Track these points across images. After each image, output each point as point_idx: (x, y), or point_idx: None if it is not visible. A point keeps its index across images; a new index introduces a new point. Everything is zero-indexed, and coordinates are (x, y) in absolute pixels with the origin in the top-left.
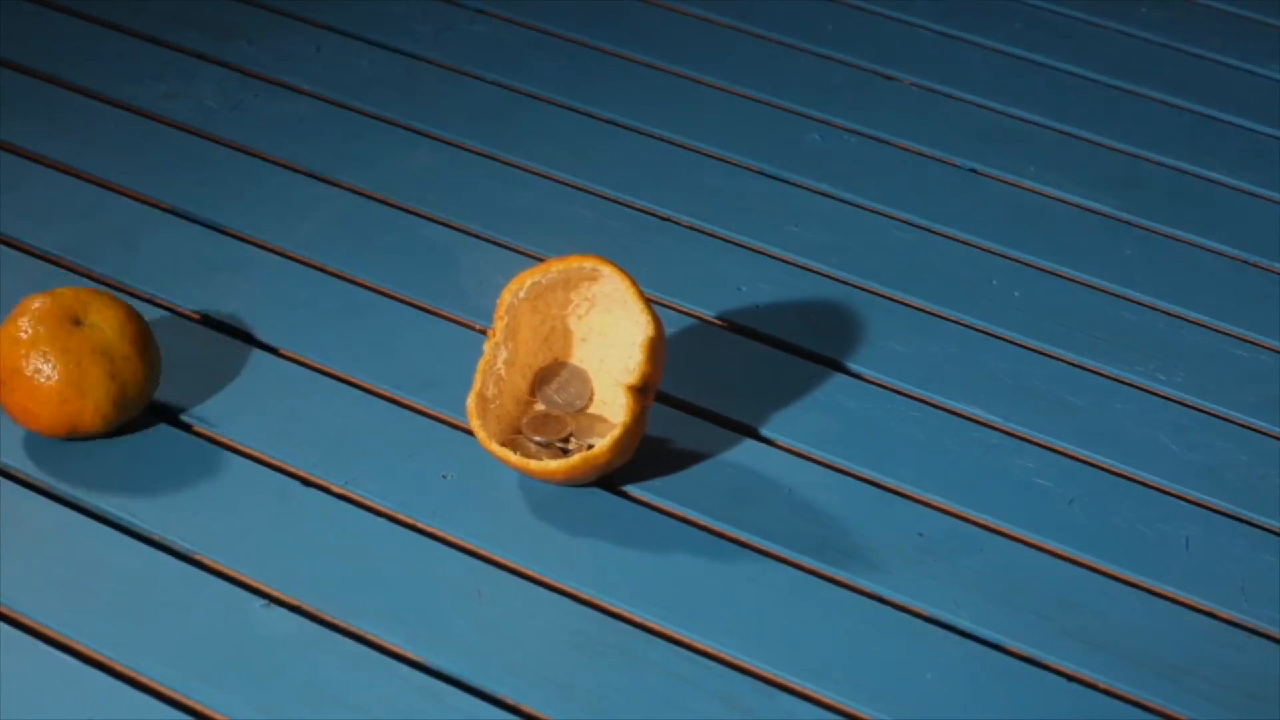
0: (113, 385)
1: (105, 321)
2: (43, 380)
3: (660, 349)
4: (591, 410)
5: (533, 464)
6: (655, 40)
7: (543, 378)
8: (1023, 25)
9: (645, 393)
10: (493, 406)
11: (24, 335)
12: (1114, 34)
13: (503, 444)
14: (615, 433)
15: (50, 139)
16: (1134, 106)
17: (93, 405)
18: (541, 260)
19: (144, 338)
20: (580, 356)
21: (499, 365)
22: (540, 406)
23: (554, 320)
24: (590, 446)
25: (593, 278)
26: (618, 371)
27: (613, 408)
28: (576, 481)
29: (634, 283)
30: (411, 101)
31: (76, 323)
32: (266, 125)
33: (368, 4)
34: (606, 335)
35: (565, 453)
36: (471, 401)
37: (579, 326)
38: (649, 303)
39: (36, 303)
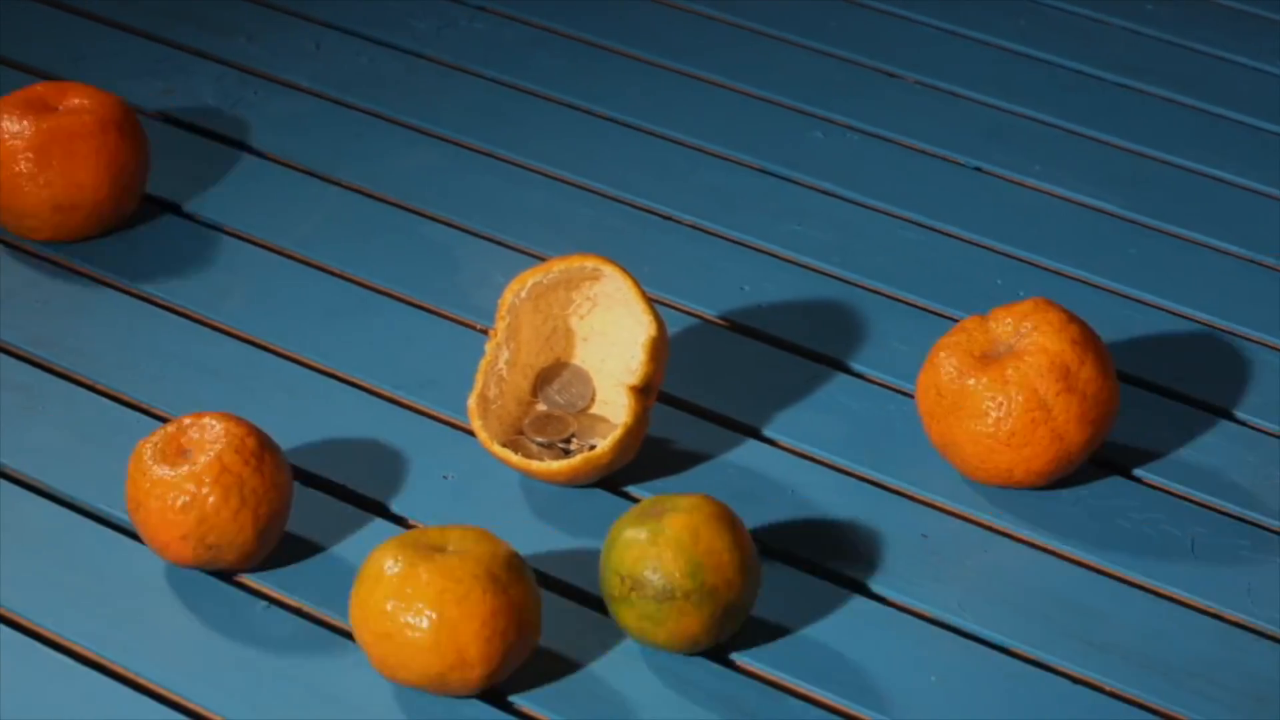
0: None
1: None
2: None
3: (662, 349)
4: (593, 410)
5: (534, 465)
6: (657, 37)
7: (544, 378)
8: (1027, 22)
9: (647, 393)
10: (494, 407)
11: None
12: (1119, 31)
13: (504, 445)
14: (617, 433)
15: None
16: (1139, 104)
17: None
18: (542, 259)
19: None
20: (582, 356)
21: (500, 365)
22: (542, 407)
23: (556, 320)
24: (592, 447)
25: (594, 277)
26: (620, 371)
27: (615, 408)
28: (578, 482)
29: (636, 282)
30: (411, 99)
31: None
32: (266, 123)
33: (367, 1)
34: (608, 335)
35: (567, 453)
36: (473, 402)
37: (581, 326)
38: (651, 302)
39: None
